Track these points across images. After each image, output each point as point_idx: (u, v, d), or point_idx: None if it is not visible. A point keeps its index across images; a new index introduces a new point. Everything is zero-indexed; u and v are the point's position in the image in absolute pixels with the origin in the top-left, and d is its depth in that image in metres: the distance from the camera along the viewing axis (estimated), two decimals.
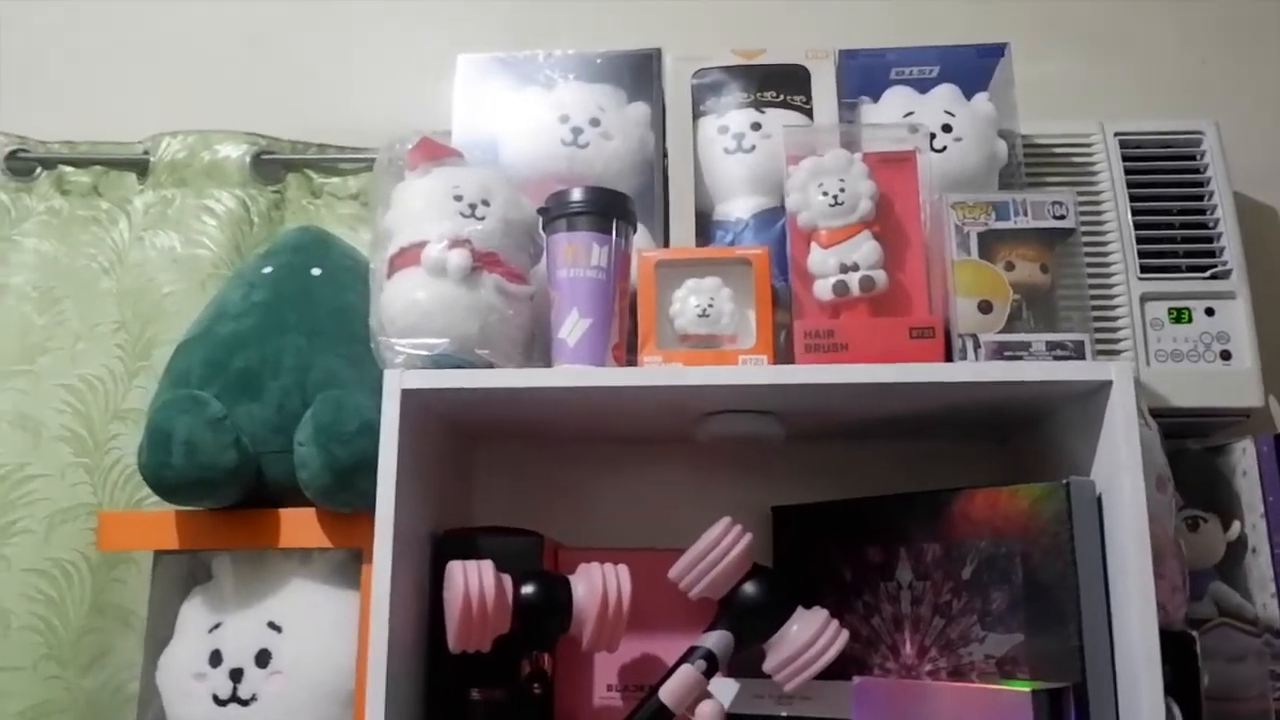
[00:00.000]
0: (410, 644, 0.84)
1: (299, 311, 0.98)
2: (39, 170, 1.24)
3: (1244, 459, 1.01)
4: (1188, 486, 0.99)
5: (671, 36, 1.08)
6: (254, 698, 0.90)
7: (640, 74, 1.06)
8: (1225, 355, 1.03)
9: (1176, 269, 1.05)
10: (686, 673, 0.83)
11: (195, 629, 0.95)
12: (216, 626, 0.93)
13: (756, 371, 0.85)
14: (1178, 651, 0.81)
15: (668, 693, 0.83)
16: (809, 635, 0.83)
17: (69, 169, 1.24)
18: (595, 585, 0.83)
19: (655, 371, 0.86)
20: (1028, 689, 0.74)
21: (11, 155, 1.23)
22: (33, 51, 1.33)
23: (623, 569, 0.84)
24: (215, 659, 0.92)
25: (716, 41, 1.06)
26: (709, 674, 0.84)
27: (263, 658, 0.91)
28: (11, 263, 1.21)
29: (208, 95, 1.28)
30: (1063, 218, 0.87)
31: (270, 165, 1.22)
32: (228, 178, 1.20)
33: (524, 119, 1.04)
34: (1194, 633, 0.83)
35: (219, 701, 0.90)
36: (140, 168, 1.22)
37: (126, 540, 0.99)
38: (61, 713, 1.08)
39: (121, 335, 1.17)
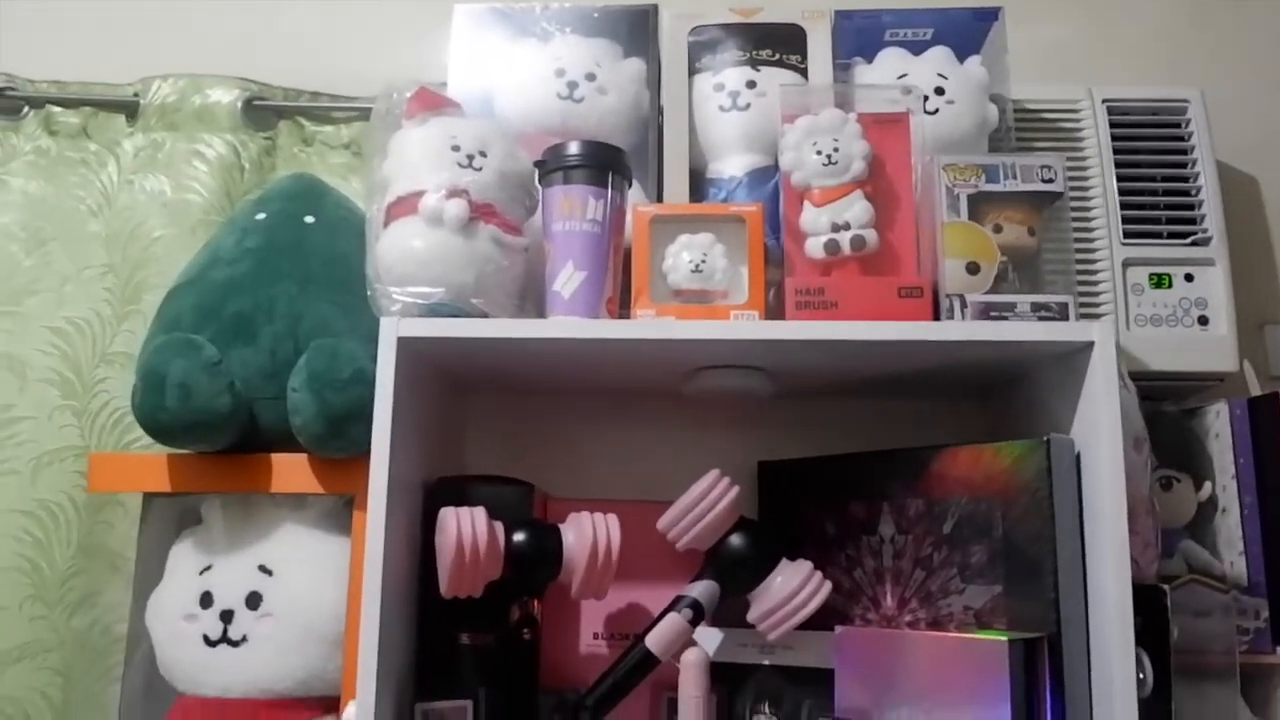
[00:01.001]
0: (401, 588, 0.85)
1: (292, 259, 0.98)
2: (26, 109, 1.23)
3: (1217, 422, 1.04)
4: (1163, 447, 1.02)
5: None
6: (244, 639, 0.91)
7: (637, 29, 1.06)
8: (1203, 321, 1.05)
9: (1158, 235, 1.07)
10: (673, 621, 0.85)
11: (185, 571, 0.96)
12: (207, 569, 0.94)
13: (747, 327, 0.86)
14: (1148, 605, 0.83)
15: (654, 640, 0.85)
16: (792, 586, 0.86)
17: (57, 109, 1.22)
18: (585, 534, 0.84)
19: (647, 324, 0.87)
20: (1004, 638, 0.76)
21: None
22: None
23: (612, 518, 0.86)
24: (206, 600, 0.93)
25: None
26: (694, 623, 0.86)
27: (253, 600, 0.92)
28: None
29: (200, 39, 1.27)
30: (1051, 181, 0.88)
31: (262, 111, 1.21)
32: (218, 123, 1.19)
33: (519, 72, 1.04)
34: (1165, 587, 0.85)
35: (209, 642, 0.92)
36: (130, 110, 1.21)
37: (117, 482, 0.99)
38: (48, 652, 1.09)
39: (110, 279, 1.17)
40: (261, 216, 1.02)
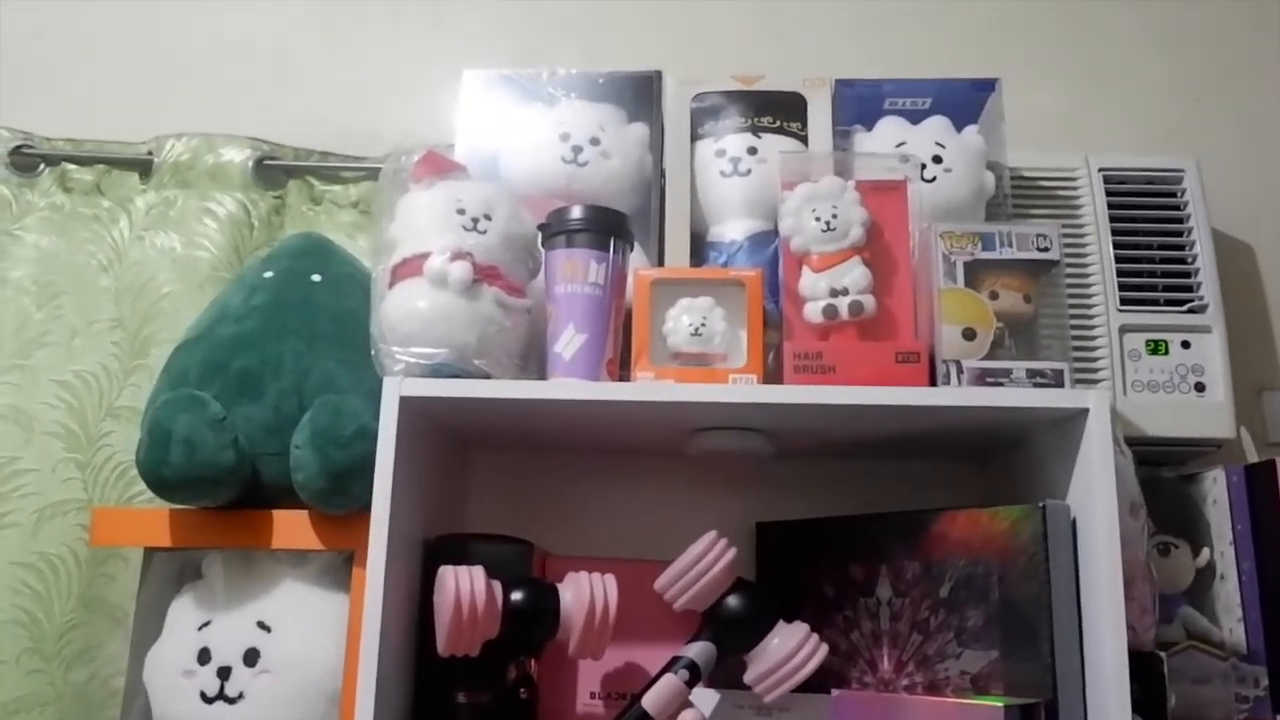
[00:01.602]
0: (399, 646, 0.86)
1: (299, 316, 0.99)
2: (42, 166, 1.25)
3: (1215, 488, 1.04)
4: (1160, 513, 1.02)
5: (673, 59, 1.11)
6: (241, 695, 0.91)
7: (641, 95, 1.08)
8: (1200, 387, 1.06)
9: (1155, 302, 1.08)
10: (669, 682, 0.85)
11: (184, 626, 0.96)
12: (206, 624, 0.94)
13: (746, 390, 0.87)
14: (1146, 672, 0.83)
15: (650, 701, 0.85)
16: (789, 648, 0.85)
17: (72, 166, 1.25)
18: (583, 593, 0.85)
19: (647, 387, 0.89)
20: (1001, 704, 0.76)
21: (16, 150, 1.24)
22: (41, 49, 1.34)
23: (610, 578, 0.86)
24: (204, 656, 0.93)
25: (717, 66, 1.09)
26: (691, 684, 0.86)
27: (251, 656, 0.92)
28: (11, 257, 1.22)
29: (213, 99, 1.30)
30: (1047, 249, 0.90)
31: (272, 170, 1.24)
32: (230, 181, 1.21)
33: (526, 135, 1.06)
34: (1162, 654, 0.85)
35: (206, 699, 0.91)
36: (143, 168, 1.24)
37: (119, 536, 1.00)
38: (44, 706, 1.09)
39: (118, 333, 1.18)
40: (269, 274, 1.03)
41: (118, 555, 1.11)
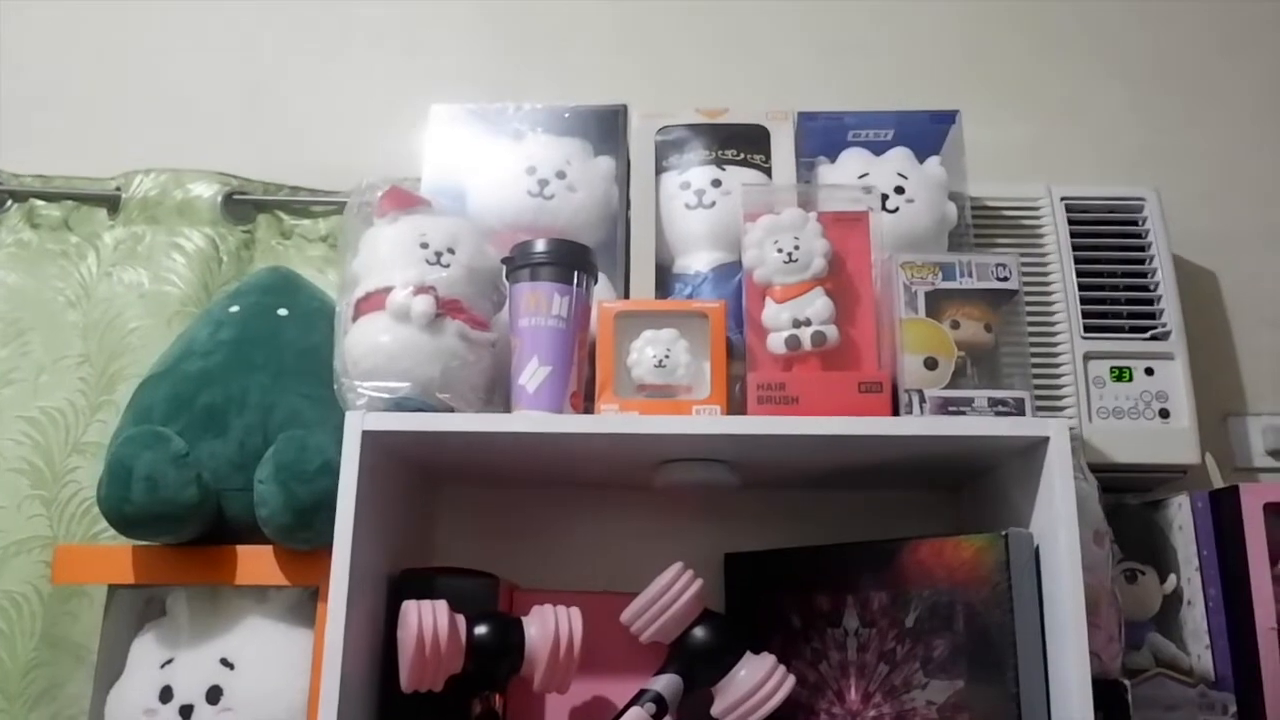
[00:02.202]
0: (363, 683, 0.85)
1: (265, 351, 0.99)
2: (10, 203, 1.25)
3: (1180, 514, 1.04)
4: (1126, 540, 1.03)
5: (638, 93, 1.12)
6: None
7: (607, 129, 1.09)
8: (1164, 413, 1.07)
9: (1119, 329, 1.09)
10: (636, 715, 0.84)
11: (147, 664, 0.94)
12: (168, 662, 0.93)
13: (710, 422, 0.87)
14: (1111, 700, 0.83)
15: None
16: (756, 680, 0.85)
17: (40, 203, 1.25)
18: (548, 627, 0.84)
19: (611, 419, 0.89)
20: None
21: None
22: (9, 85, 1.34)
23: (575, 611, 0.86)
24: (165, 695, 0.91)
25: (681, 100, 1.10)
26: (658, 717, 0.85)
27: (214, 694, 0.91)
28: None
29: (182, 134, 1.31)
30: (1006, 279, 0.91)
31: (241, 205, 1.24)
32: (199, 216, 1.21)
33: (492, 169, 1.06)
34: (1126, 681, 0.85)
35: None
36: (112, 204, 1.24)
37: (82, 574, 0.99)
38: None
39: (85, 369, 1.18)
40: (235, 309, 1.03)
41: (81, 593, 1.09)
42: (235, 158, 1.25)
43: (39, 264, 1.23)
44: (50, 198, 1.25)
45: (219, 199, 1.22)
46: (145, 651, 0.96)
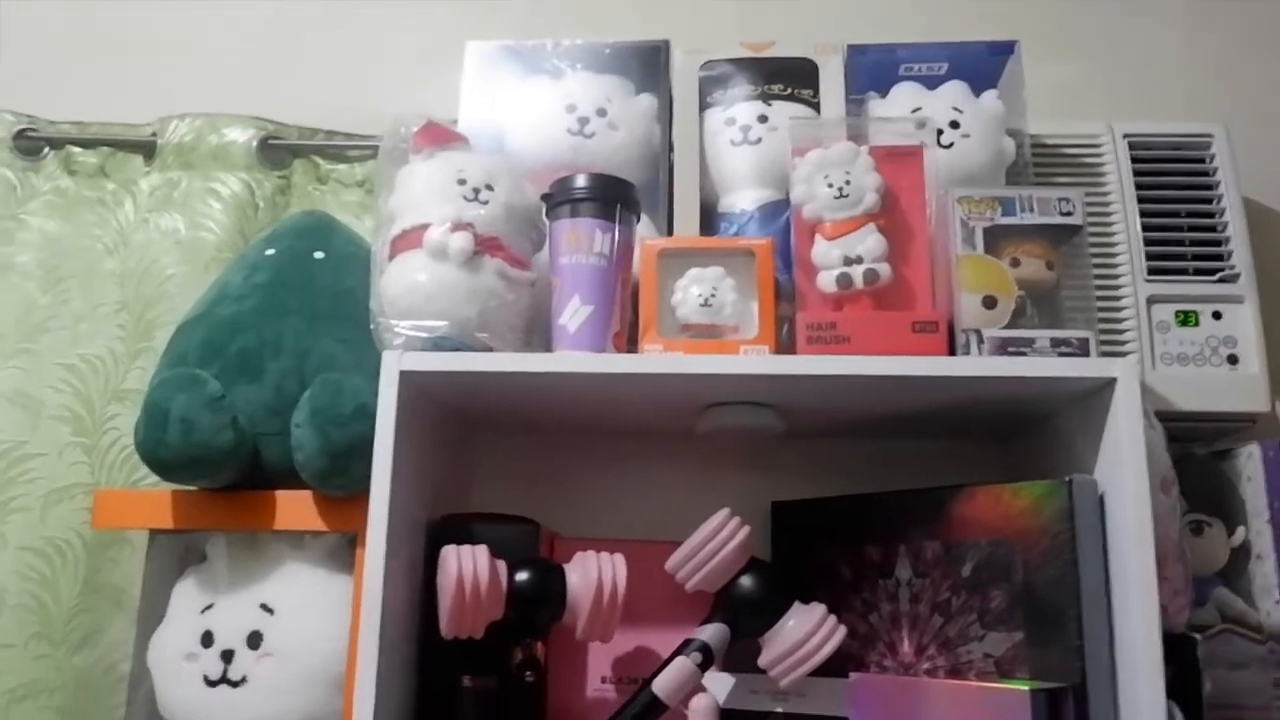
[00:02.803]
0: (402, 629, 0.83)
1: (300, 295, 0.98)
2: (46, 150, 1.24)
3: (1249, 464, 1.00)
4: (1192, 491, 0.99)
5: (680, 28, 1.08)
6: (244, 679, 0.89)
7: (648, 65, 1.06)
8: (1232, 359, 1.02)
9: (1184, 271, 1.04)
10: (681, 665, 0.83)
11: (187, 609, 0.94)
12: (209, 607, 0.93)
13: (757, 361, 0.84)
14: (1179, 655, 0.80)
15: (661, 685, 0.82)
16: (805, 631, 0.83)
17: (77, 149, 1.24)
18: (590, 574, 0.82)
19: (655, 359, 0.86)
20: (1026, 688, 0.72)
21: (20, 134, 1.23)
22: (44, 32, 1.33)
23: (619, 558, 0.84)
24: (207, 639, 0.91)
25: (725, 34, 1.06)
26: (704, 667, 0.83)
27: (254, 639, 0.90)
28: (17, 241, 1.21)
29: (217, 79, 1.28)
30: (1069, 214, 0.86)
31: (277, 150, 1.22)
32: (234, 162, 1.20)
33: (530, 108, 1.03)
34: (1197, 636, 0.82)
35: (209, 682, 0.90)
36: (147, 150, 1.22)
37: (121, 518, 0.98)
38: (51, 692, 1.07)
39: (123, 316, 1.17)
40: (271, 252, 1.01)
41: (123, 539, 1.10)
42: (271, 102, 1.23)
43: (76, 211, 1.22)
44: (87, 144, 1.23)
45: (254, 144, 1.20)
46: (186, 597, 0.95)
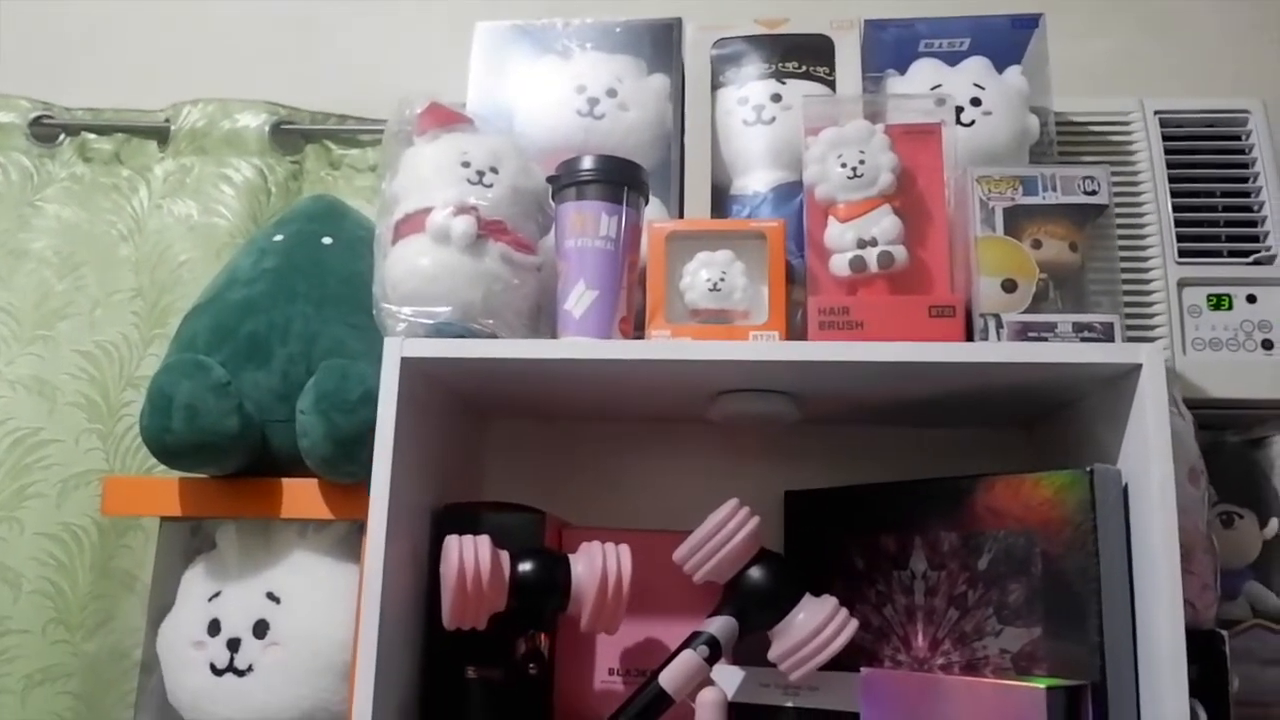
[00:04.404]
0: (406, 619, 0.82)
1: (309, 279, 0.97)
2: (62, 137, 1.25)
3: None
4: (1223, 481, 0.96)
5: (693, 5, 1.06)
6: (250, 668, 0.89)
7: (660, 44, 1.03)
8: (1267, 345, 0.98)
9: (1217, 253, 1.01)
10: (688, 658, 0.81)
11: (196, 597, 0.94)
12: (216, 595, 0.92)
13: (768, 348, 0.82)
14: (1206, 652, 0.78)
15: (669, 678, 0.81)
16: (816, 623, 0.81)
17: (92, 136, 1.24)
18: (595, 565, 0.81)
19: (662, 345, 0.84)
20: (1044, 685, 0.70)
21: (36, 121, 1.24)
22: (59, 19, 1.33)
23: (624, 549, 0.82)
24: (214, 628, 0.91)
25: (739, 10, 1.03)
26: (712, 660, 0.81)
27: (260, 628, 0.90)
28: (34, 228, 1.21)
29: (230, 64, 1.28)
30: (1094, 193, 0.83)
31: (289, 135, 1.21)
32: (246, 147, 1.20)
33: (540, 89, 1.02)
34: (1224, 632, 0.79)
35: (216, 671, 0.89)
36: (161, 136, 1.23)
37: (130, 505, 0.98)
38: (67, 677, 1.09)
39: (138, 303, 1.18)
40: (280, 238, 1.01)
41: (137, 526, 1.10)
42: (283, 87, 1.23)
43: (92, 198, 1.22)
44: (101, 131, 1.24)
45: (266, 129, 1.20)
46: (194, 584, 0.95)
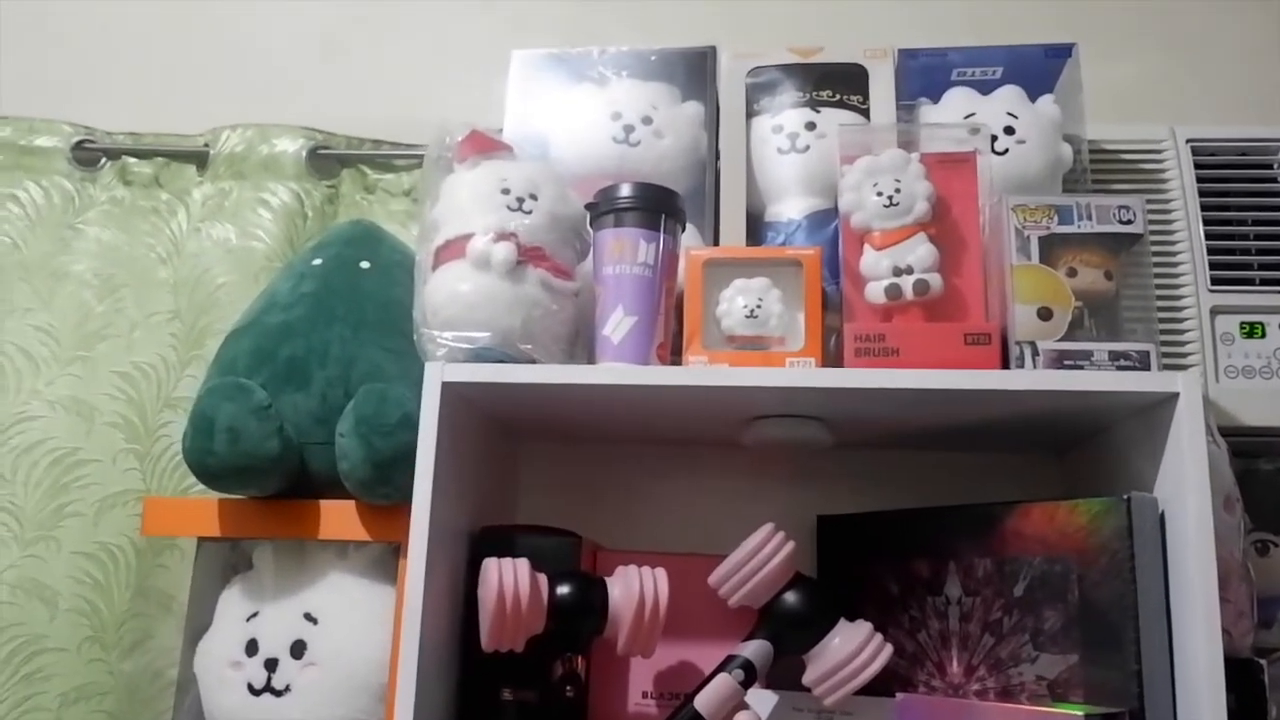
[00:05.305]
0: (443, 640, 0.83)
1: (347, 303, 0.98)
2: (104, 160, 1.27)
3: None
4: (1258, 509, 0.96)
5: (727, 34, 1.07)
6: (288, 688, 0.90)
7: (695, 72, 1.04)
8: None
9: (1250, 281, 1.01)
10: (723, 682, 0.81)
11: (233, 617, 0.95)
12: (254, 615, 0.93)
13: (804, 374, 0.82)
14: (1243, 680, 0.77)
15: (703, 702, 0.81)
16: (851, 648, 0.81)
17: (132, 160, 1.26)
18: (632, 588, 0.81)
19: (700, 371, 0.84)
20: (1080, 713, 0.70)
21: (78, 145, 1.26)
22: (100, 45, 1.36)
23: (660, 572, 0.82)
24: (251, 648, 0.91)
25: (773, 39, 1.04)
26: (746, 684, 0.81)
27: (298, 648, 0.90)
28: (74, 250, 1.23)
29: (268, 90, 1.30)
30: (1130, 222, 0.83)
31: (326, 160, 1.23)
32: (284, 171, 1.21)
33: (576, 116, 1.03)
34: (1262, 661, 0.78)
35: (253, 691, 0.90)
36: (200, 160, 1.24)
37: (169, 526, 0.99)
38: (102, 695, 1.09)
39: (176, 324, 1.19)
40: (318, 262, 1.02)
41: (173, 545, 1.11)
42: (319, 113, 1.25)
43: (131, 220, 1.24)
44: (141, 155, 1.26)
45: (304, 154, 1.21)
46: (231, 604, 0.96)
